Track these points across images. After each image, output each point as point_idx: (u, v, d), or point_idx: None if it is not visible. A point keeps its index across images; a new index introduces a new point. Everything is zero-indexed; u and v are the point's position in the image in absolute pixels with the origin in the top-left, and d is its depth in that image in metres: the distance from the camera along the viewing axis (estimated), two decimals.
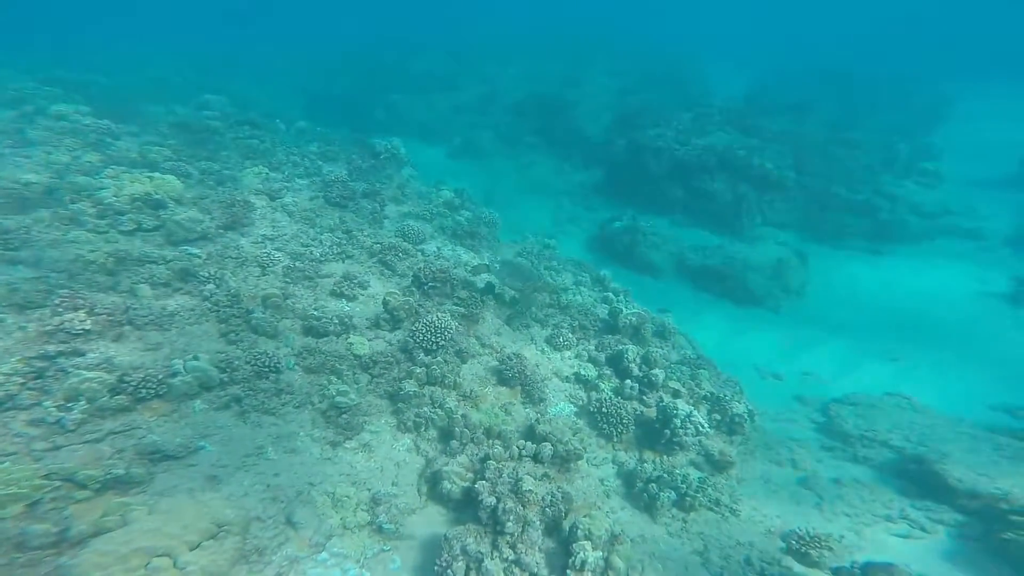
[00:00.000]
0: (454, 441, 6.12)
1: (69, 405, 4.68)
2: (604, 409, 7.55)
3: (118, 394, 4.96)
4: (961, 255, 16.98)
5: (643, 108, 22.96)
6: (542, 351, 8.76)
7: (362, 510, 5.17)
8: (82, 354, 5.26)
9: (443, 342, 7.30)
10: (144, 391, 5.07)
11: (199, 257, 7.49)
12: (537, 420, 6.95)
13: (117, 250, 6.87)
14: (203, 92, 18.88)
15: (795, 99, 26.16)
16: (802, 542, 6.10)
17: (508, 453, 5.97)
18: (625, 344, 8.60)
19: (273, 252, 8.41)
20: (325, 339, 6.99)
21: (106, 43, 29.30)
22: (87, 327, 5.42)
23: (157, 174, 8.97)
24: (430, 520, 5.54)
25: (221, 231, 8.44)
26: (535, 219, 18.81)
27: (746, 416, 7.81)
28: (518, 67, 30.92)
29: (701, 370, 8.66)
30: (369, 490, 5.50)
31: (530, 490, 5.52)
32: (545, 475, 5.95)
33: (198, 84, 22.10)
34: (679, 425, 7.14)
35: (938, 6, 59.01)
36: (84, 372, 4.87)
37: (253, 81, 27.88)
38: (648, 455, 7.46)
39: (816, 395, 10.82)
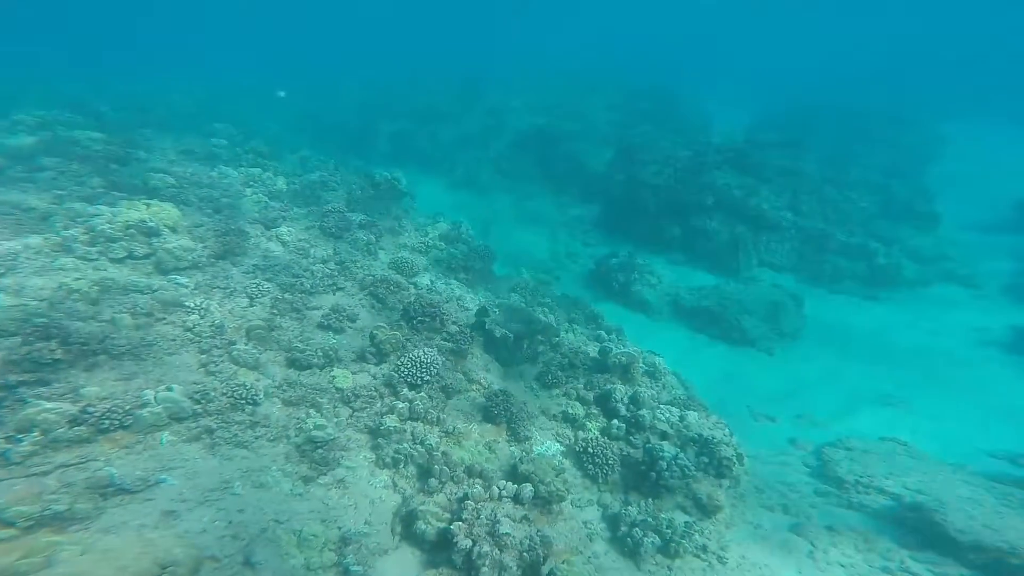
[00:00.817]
0: (432, 479, 5.97)
1: (19, 437, 4.57)
2: (590, 449, 7.40)
3: (78, 425, 4.86)
4: (958, 303, 16.95)
5: (642, 144, 23.51)
6: (531, 388, 8.65)
7: (329, 550, 4.99)
8: (47, 383, 5.19)
9: (428, 377, 7.23)
10: (107, 422, 4.96)
11: (186, 287, 7.52)
12: (520, 459, 6.79)
13: (103, 279, 6.91)
14: (214, 121, 19.51)
15: (793, 136, 26.74)
16: None
17: (488, 493, 5.81)
18: (614, 383, 8.49)
19: (263, 283, 8.45)
20: (308, 371, 6.94)
21: (127, 71, 30.46)
22: (56, 356, 5.38)
23: (155, 201, 9.15)
24: (403, 562, 5.34)
25: (213, 260, 8.52)
26: (533, 253, 18.98)
27: (734, 459, 7.61)
28: (522, 99, 31.82)
29: (690, 411, 8.51)
30: (339, 528, 5.32)
31: (508, 533, 5.35)
32: (525, 517, 5.76)
33: (211, 111, 22.83)
34: (665, 468, 6.97)
35: (935, 43, 61.15)
36: (44, 402, 4.78)
37: (264, 109, 28.78)
38: (634, 497, 7.25)
39: (810, 438, 10.59)
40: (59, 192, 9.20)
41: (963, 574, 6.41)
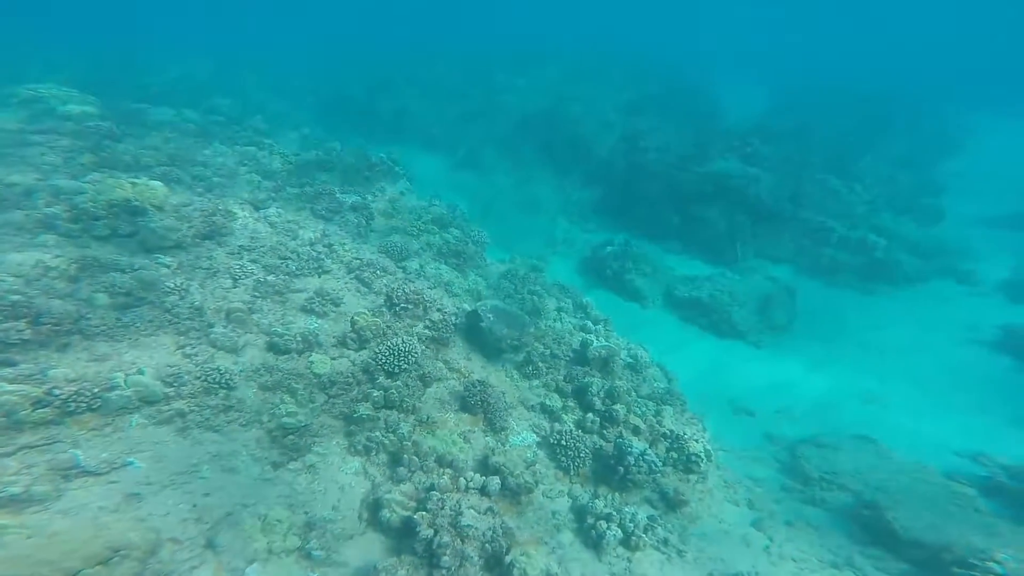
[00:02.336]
0: (402, 468, 6.12)
1: None
2: (564, 442, 7.53)
3: (42, 407, 4.94)
4: (953, 300, 16.80)
5: (647, 129, 23.05)
6: (511, 378, 8.75)
7: (293, 534, 5.15)
8: (13, 364, 5.27)
9: (406, 365, 7.31)
10: (74, 404, 5.06)
11: (168, 267, 7.57)
12: (493, 451, 6.94)
13: (83, 256, 6.96)
14: (216, 95, 19.28)
15: (802, 123, 26.07)
16: None
17: (455, 484, 5.95)
18: (592, 377, 8.57)
19: (248, 264, 8.49)
20: (286, 356, 7.03)
21: (132, 42, 29.94)
22: (25, 337, 5.46)
23: (142, 179, 9.13)
24: (367, 548, 5.51)
25: (198, 240, 8.54)
26: (530, 237, 18.86)
27: (703, 455, 7.74)
28: (528, 78, 31.15)
29: (666, 406, 8.61)
30: (306, 513, 5.48)
31: (470, 524, 5.50)
32: (490, 509, 5.91)
33: (214, 86, 22.54)
34: (632, 463, 7.09)
35: (964, 33, 58.71)
36: (4, 384, 4.86)
37: (269, 82, 28.37)
38: (603, 490, 7.41)
39: (786, 434, 10.74)
40: (46, 167, 9.19)
41: (902, 568, 6.59)
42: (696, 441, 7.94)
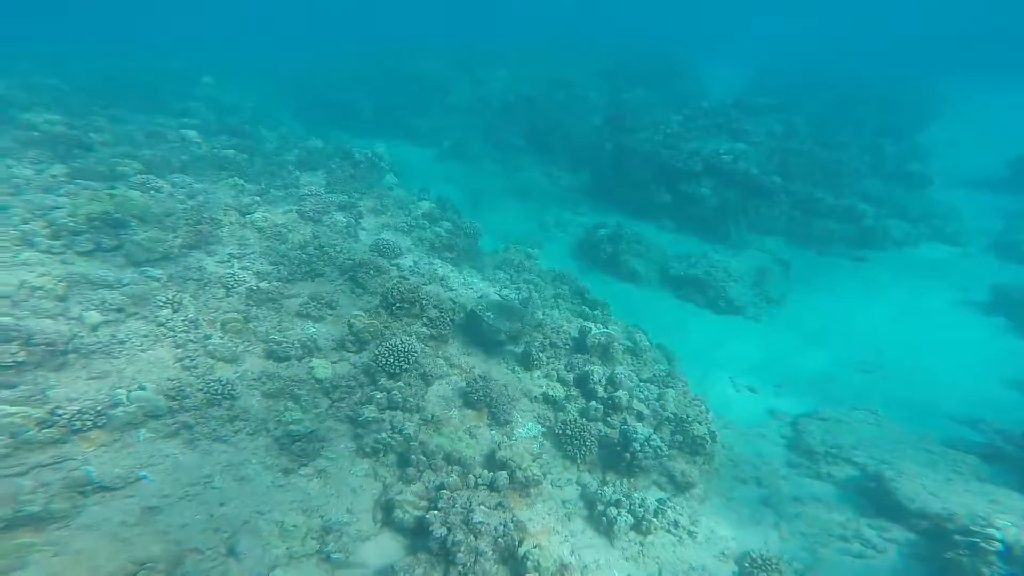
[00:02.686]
0: (410, 468, 6.13)
1: None
2: (569, 431, 7.58)
3: (48, 427, 4.91)
4: (942, 262, 17.05)
5: (632, 110, 22.87)
6: (513, 370, 8.75)
7: (311, 539, 5.18)
8: (12, 387, 5.20)
9: (407, 365, 7.28)
10: (79, 423, 5.03)
11: (157, 280, 7.43)
12: (499, 445, 6.96)
13: (70, 273, 6.81)
14: (190, 99, 18.78)
15: (785, 98, 25.99)
16: (754, 565, 6.14)
17: (463, 482, 5.97)
18: (593, 364, 8.59)
19: (239, 271, 8.36)
20: (286, 363, 6.97)
21: (100, 43, 28.93)
22: (20, 359, 5.37)
23: (120, 190, 8.90)
24: (384, 548, 5.55)
25: (185, 250, 8.39)
26: (522, 224, 18.78)
27: (707, 437, 7.84)
28: (509, 68, 30.79)
29: (668, 389, 8.66)
30: (321, 517, 5.50)
31: (481, 521, 5.53)
32: (500, 504, 5.95)
33: (191, 84, 21.93)
34: (638, 448, 7.16)
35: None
36: (6, 407, 4.80)
37: (248, 79, 27.69)
38: (611, 477, 7.49)
39: (787, 409, 10.85)
40: (16, 182, 8.90)
41: (908, 538, 6.75)
42: (700, 423, 8.02)
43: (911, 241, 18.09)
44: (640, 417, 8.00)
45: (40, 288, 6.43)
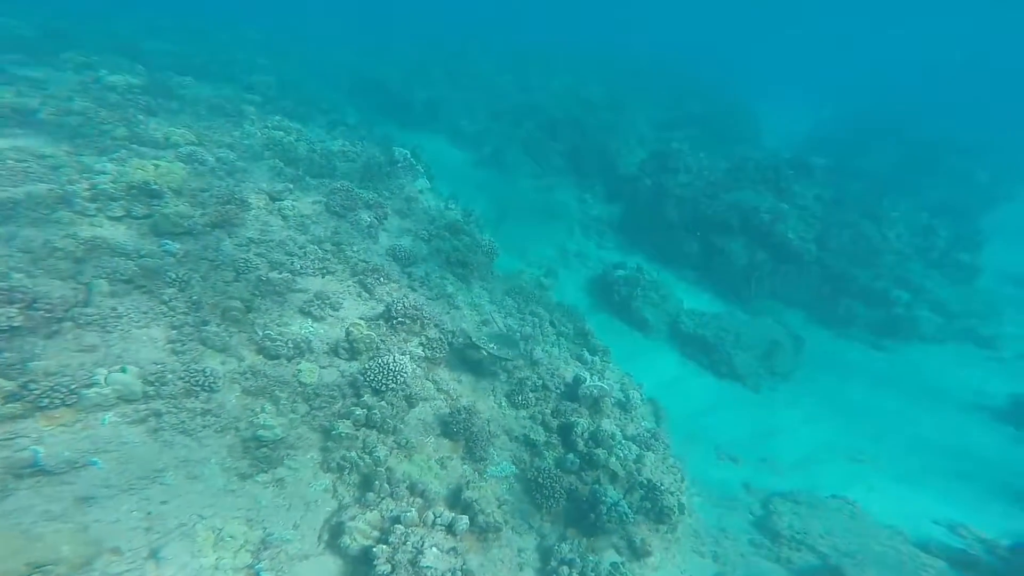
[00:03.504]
0: (371, 493, 6.14)
1: None
2: (541, 479, 7.48)
3: (14, 401, 4.88)
4: (967, 363, 16.24)
5: (678, 150, 22.53)
6: (499, 405, 8.71)
7: (246, 551, 5.14)
8: None
9: (394, 385, 7.32)
10: (47, 400, 5.01)
11: (173, 256, 7.67)
12: (468, 483, 6.94)
13: (93, 237, 7.10)
14: (254, 72, 19.44)
15: (845, 157, 25.12)
16: None
17: (422, 518, 5.95)
18: (580, 415, 8.49)
19: (253, 257, 8.57)
20: (275, 362, 7.09)
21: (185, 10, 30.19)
22: (16, 324, 5.48)
23: (164, 162, 9.27)
24: (320, 571, 5.51)
25: (208, 228, 8.64)
26: (543, 247, 18.74)
27: (675, 508, 7.68)
28: (562, 81, 30.70)
29: (648, 452, 8.49)
30: (264, 529, 5.43)
31: (430, 566, 5.50)
32: (453, 549, 5.90)
33: (256, 60, 22.73)
34: (604, 512, 7.04)
35: None
36: None
37: (310, 61, 28.45)
38: (572, 533, 7.37)
39: (765, 485, 10.66)
40: (79, 141, 9.39)
41: None
42: (672, 494, 7.84)
43: (940, 338, 17.25)
44: (614, 478, 7.86)
45: (60, 249, 6.73)
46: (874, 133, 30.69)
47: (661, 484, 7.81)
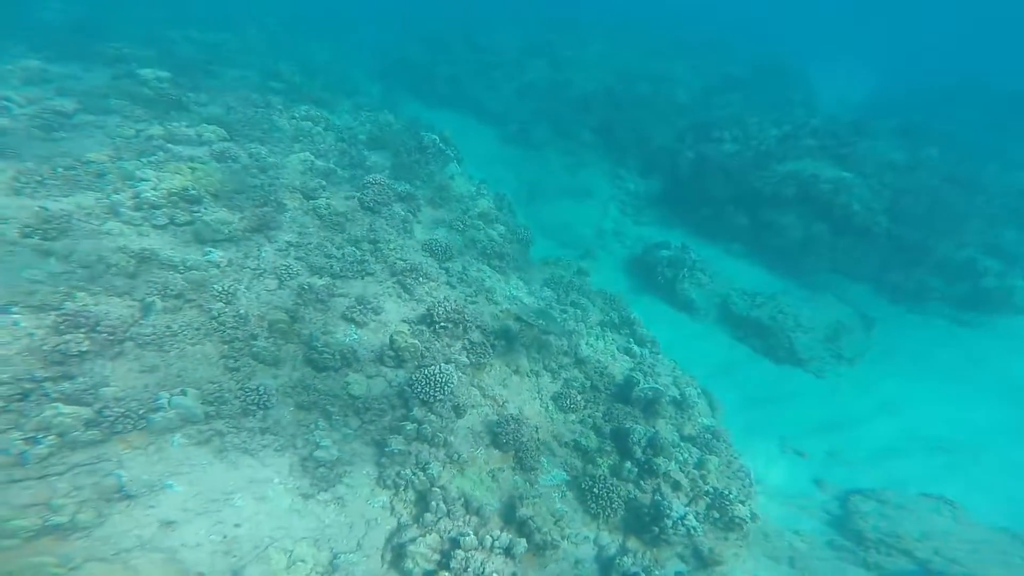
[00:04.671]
0: (428, 514, 5.98)
1: (38, 437, 4.74)
2: (596, 489, 7.18)
3: (93, 427, 5.03)
4: None
5: (722, 117, 20.96)
6: (547, 409, 8.39)
7: (316, 574, 5.15)
8: (72, 378, 5.36)
9: (442, 396, 7.08)
10: (121, 426, 5.15)
11: (217, 266, 7.56)
12: (521, 497, 6.70)
13: (143, 250, 7.06)
14: (280, 59, 19.06)
15: (913, 121, 22.72)
16: None
17: (479, 540, 5.75)
18: (636, 420, 8.07)
19: (293, 262, 8.41)
20: (324, 374, 6.95)
21: None
22: (84, 348, 5.55)
23: (199, 164, 9.12)
24: None
25: (248, 234, 8.50)
26: (577, 227, 17.99)
27: (747, 519, 7.21)
28: (594, 51, 28.95)
29: (712, 456, 8.01)
30: (331, 550, 5.46)
31: None
32: (513, 574, 5.71)
33: (280, 46, 22.37)
34: (670, 526, 6.67)
35: None
36: (60, 406, 4.94)
37: (332, 40, 27.83)
38: (633, 543, 7.07)
39: (838, 481, 9.86)
40: (118, 142, 9.38)
41: None
42: (742, 503, 7.39)
43: None
44: (677, 486, 7.47)
45: (115, 265, 6.69)
46: (949, 92, 27.66)
47: (729, 492, 7.36)
